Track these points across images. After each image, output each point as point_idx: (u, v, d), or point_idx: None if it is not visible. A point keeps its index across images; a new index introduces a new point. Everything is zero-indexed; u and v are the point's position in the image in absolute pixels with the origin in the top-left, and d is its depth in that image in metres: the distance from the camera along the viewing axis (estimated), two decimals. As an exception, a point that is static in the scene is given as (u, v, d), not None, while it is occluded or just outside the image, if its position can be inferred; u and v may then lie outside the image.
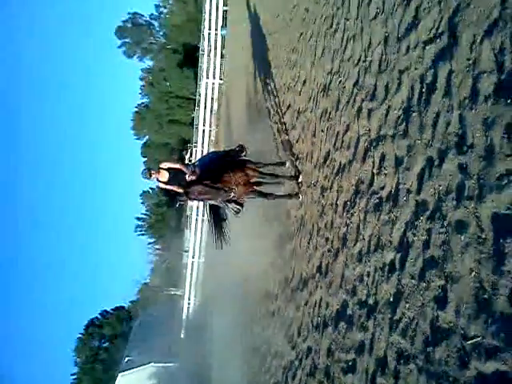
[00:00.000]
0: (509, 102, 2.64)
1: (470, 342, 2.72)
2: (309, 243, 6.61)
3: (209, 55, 35.35)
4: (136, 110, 62.51)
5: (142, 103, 62.53)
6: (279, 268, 8.24)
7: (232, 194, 7.19)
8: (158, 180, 7.82)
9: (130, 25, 60.71)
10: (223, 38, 34.86)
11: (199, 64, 38.79)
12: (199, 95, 38.26)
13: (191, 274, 36.59)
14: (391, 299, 3.80)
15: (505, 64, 2.72)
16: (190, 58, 52.45)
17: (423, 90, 3.72)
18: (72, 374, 58.40)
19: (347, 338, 4.65)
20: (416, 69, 3.88)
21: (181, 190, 7.69)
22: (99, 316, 61.61)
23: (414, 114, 3.85)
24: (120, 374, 34.51)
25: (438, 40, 3.54)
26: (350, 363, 4.50)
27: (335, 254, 5.36)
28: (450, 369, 2.88)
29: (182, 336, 34.05)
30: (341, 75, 5.93)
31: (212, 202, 7.65)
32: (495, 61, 2.81)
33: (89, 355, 57.88)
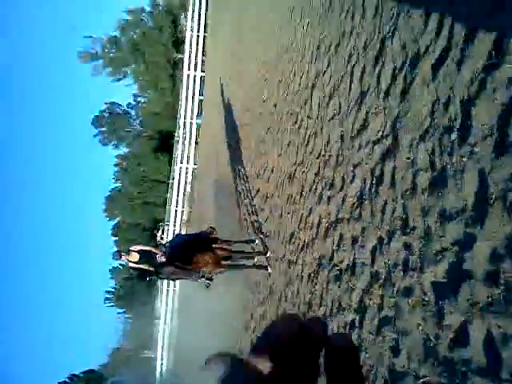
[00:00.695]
0: (440, 194, 3.09)
1: (420, 381, 2.98)
2: (277, 308, 6.82)
3: (183, 143, 36.16)
4: (109, 194, 62.21)
5: (115, 188, 62.37)
6: (251, 329, 8.37)
7: (201, 272, 7.39)
8: (128, 261, 7.99)
9: (106, 114, 61.54)
10: (198, 126, 35.88)
11: (174, 150, 39.52)
12: (173, 179, 38.73)
13: (163, 336, 35.76)
14: None
15: (435, 164, 3.19)
16: (165, 143, 53.11)
17: (373, 182, 4.18)
18: None
19: None
20: (367, 164, 4.36)
21: (151, 269, 7.87)
22: (67, 380, 57.92)
23: (366, 202, 4.29)
24: None
25: (384, 140, 4.04)
26: None
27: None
28: None
29: None
30: (304, 166, 6.43)
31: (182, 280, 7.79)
32: (429, 160, 3.29)
33: None
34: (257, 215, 9.44)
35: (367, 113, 4.44)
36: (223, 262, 7.78)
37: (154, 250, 7.92)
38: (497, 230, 2.49)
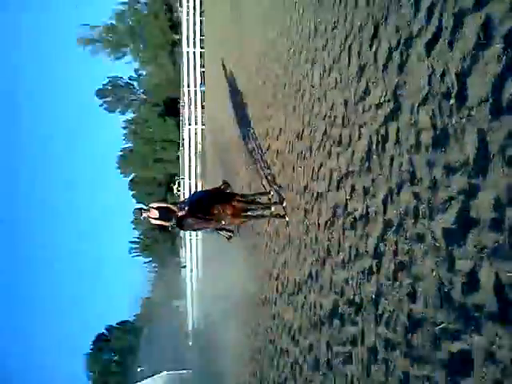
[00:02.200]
0: (443, 150, 3.26)
1: (438, 328, 3.07)
2: (298, 255, 7.04)
3: (189, 107, 35.69)
4: (121, 153, 61.04)
5: (126, 147, 61.05)
6: (274, 277, 8.59)
7: (222, 223, 7.44)
8: (149, 217, 7.86)
9: (109, 87, 59.95)
10: (202, 92, 35.27)
11: (181, 113, 39.03)
12: (183, 139, 38.43)
13: (191, 285, 36.04)
14: (373, 297, 4.18)
15: (437, 124, 3.34)
16: (170, 109, 52.09)
17: (379, 139, 4.32)
18: (88, 390, 56.03)
19: (342, 333, 4.93)
20: (372, 124, 4.48)
21: (168, 224, 7.81)
22: (105, 331, 58.59)
23: (374, 157, 4.42)
24: (136, 384, 33.26)
25: (386, 105, 4.16)
26: (347, 355, 4.76)
27: (322, 262, 5.81)
28: (426, 352, 3.22)
29: (191, 344, 33.08)
30: (311, 127, 6.53)
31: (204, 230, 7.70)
32: (430, 122, 3.43)
33: (101, 369, 54.72)
34: (269, 169, 9.56)
35: (367, 83, 4.53)
36: (242, 214, 7.86)
37: (171, 207, 7.87)
38: (498, 181, 2.65)
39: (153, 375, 31.96)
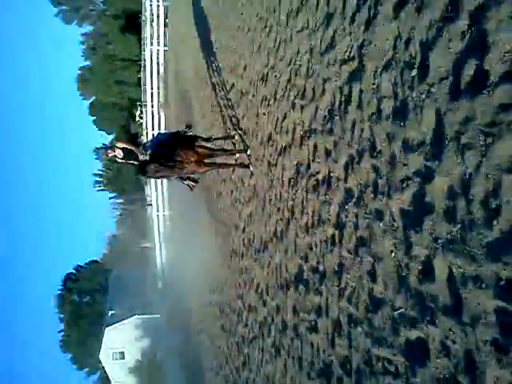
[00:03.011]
0: (402, 124, 3.27)
1: (397, 312, 3.24)
2: (263, 210, 7.16)
3: (151, 24, 34.17)
4: (79, 72, 59.20)
5: (85, 66, 59.10)
6: (241, 230, 8.75)
7: (185, 171, 7.45)
8: (115, 157, 7.96)
9: (66, -7, 57.02)
10: (166, 8, 33.61)
11: (142, 32, 37.48)
12: (144, 60, 37.21)
13: (158, 226, 36.59)
14: (336, 269, 4.34)
15: (398, 94, 3.33)
16: (131, 23, 49.96)
17: (342, 99, 4.29)
18: (60, 331, 57.83)
19: (307, 301, 5.11)
20: (336, 81, 4.42)
21: (134, 162, 7.89)
22: (74, 271, 60.45)
23: (336, 117, 4.42)
24: (107, 329, 34.60)
25: (351, 62, 4.09)
26: (312, 323, 4.97)
27: (287, 223, 5.92)
28: (386, 334, 3.40)
29: (160, 287, 34.20)
30: (275, 71, 6.39)
31: (168, 179, 7.75)
32: (392, 90, 3.41)
33: (72, 311, 56.33)
34: (233, 110, 9.44)
35: (334, 33, 4.42)
36: (206, 161, 7.85)
37: (134, 149, 7.86)
38: (452, 169, 2.72)
39: (123, 319, 33.28)
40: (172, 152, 7.17)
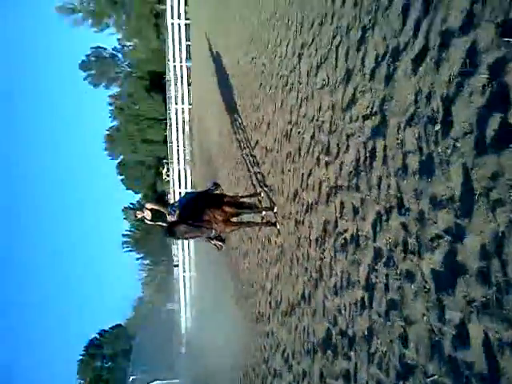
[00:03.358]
0: (429, 180, 3.28)
1: (429, 380, 3.12)
2: (291, 270, 7.07)
3: (176, 84, 35.60)
4: (107, 132, 62.36)
5: (113, 126, 62.41)
6: (268, 291, 8.68)
7: (213, 232, 7.52)
8: (144, 218, 8.29)
9: (93, 58, 60.61)
10: (189, 68, 35.13)
11: (167, 91, 39.02)
12: (170, 119, 38.49)
13: (184, 287, 36.58)
14: (366, 333, 4.23)
15: (423, 149, 3.35)
16: (156, 83, 52.51)
17: (367, 155, 4.34)
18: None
19: (335, 366, 5.00)
20: (359, 136, 4.49)
21: (163, 224, 8.16)
22: (98, 336, 60.76)
23: (362, 173, 4.45)
24: (128, 394, 34.20)
25: (373, 118, 4.17)
26: None
27: (315, 284, 5.85)
28: None
29: (183, 351, 33.84)
30: (299, 127, 6.54)
31: (195, 239, 7.93)
32: (417, 145, 3.44)
33: (93, 377, 56.83)
34: (258, 167, 9.59)
35: (355, 90, 4.53)
36: (233, 220, 7.93)
37: (163, 209, 8.15)
38: (484, 227, 2.68)
39: (145, 385, 32.96)
40: (200, 212, 7.25)
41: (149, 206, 8.38)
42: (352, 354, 4.56)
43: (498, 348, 2.50)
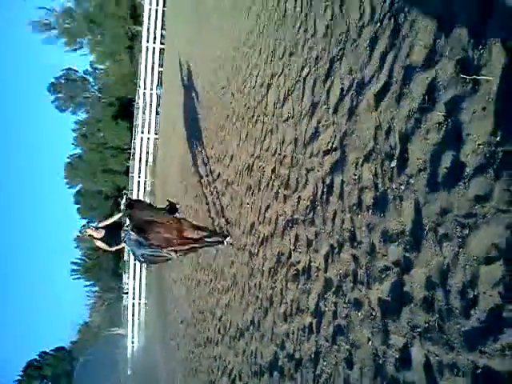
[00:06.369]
0: (382, 215, 3.33)
1: None
2: (241, 298, 7.05)
3: (144, 112, 35.51)
4: (68, 160, 60.83)
5: (75, 154, 60.88)
6: (217, 318, 8.62)
7: (164, 229, 7.31)
8: (92, 236, 7.90)
9: (63, 80, 59.80)
10: (158, 96, 35.16)
11: (134, 119, 38.80)
12: (134, 148, 38.18)
13: (133, 314, 35.80)
14: (312, 356, 4.25)
15: (378, 185, 3.42)
16: (124, 110, 52.11)
17: (324, 190, 4.39)
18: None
19: None
20: (318, 171, 4.54)
21: (111, 249, 7.95)
22: (38, 357, 58.19)
23: (318, 208, 4.50)
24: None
25: (334, 153, 4.24)
26: None
27: (265, 311, 5.82)
28: None
29: (129, 373, 32.97)
30: (261, 161, 6.58)
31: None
32: (373, 181, 3.51)
33: None
34: (219, 199, 9.58)
35: (318, 123, 4.61)
36: (185, 234, 7.68)
37: (116, 217, 8.02)
38: (430, 259, 2.75)
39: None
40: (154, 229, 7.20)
41: (101, 224, 8.08)
42: (298, 375, 4.57)
43: (438, 369, 2.58)
